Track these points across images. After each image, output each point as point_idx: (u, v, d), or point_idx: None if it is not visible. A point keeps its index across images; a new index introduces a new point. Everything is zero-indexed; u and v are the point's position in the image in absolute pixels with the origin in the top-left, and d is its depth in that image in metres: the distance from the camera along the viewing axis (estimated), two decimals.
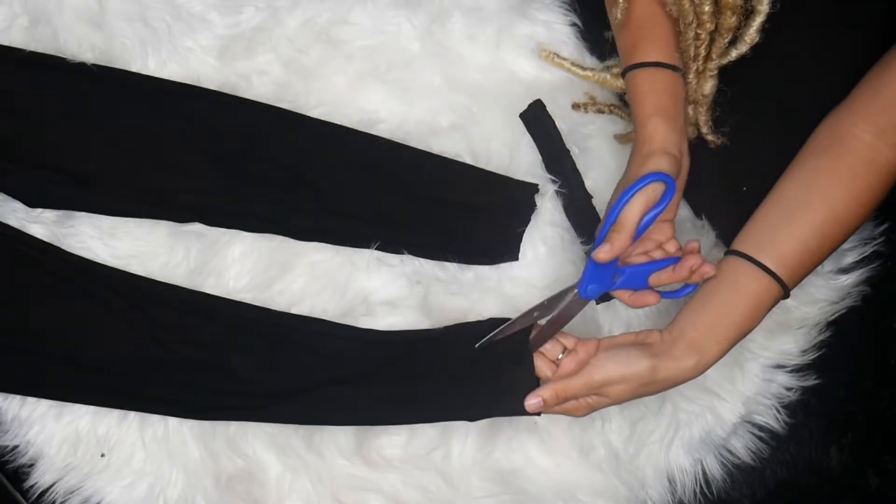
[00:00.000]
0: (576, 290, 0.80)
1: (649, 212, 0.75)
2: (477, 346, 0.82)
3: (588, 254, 0.79)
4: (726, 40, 0.79)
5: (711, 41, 0.79)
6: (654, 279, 0.80)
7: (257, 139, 0.92)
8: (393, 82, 0.95)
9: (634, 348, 0.77)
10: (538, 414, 0.80)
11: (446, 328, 0.87)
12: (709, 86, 0.82)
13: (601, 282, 0.78)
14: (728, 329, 0.76)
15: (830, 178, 0.77)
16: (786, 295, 0.77)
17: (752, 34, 0.77)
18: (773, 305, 0.77)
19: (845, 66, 0.80)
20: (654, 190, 0.75)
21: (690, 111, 0.84)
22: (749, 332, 0.77)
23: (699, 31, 0.78)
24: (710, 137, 0.86)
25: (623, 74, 0.83)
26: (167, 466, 0.86)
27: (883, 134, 0.75)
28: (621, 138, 0.93)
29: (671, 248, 0.80)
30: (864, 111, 0.76)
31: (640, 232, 0.76)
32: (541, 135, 0.94)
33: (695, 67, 0.81)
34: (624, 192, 0.75)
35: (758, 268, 0.76)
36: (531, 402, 0.78)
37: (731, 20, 0.77)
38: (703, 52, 0.79)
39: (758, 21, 0.77)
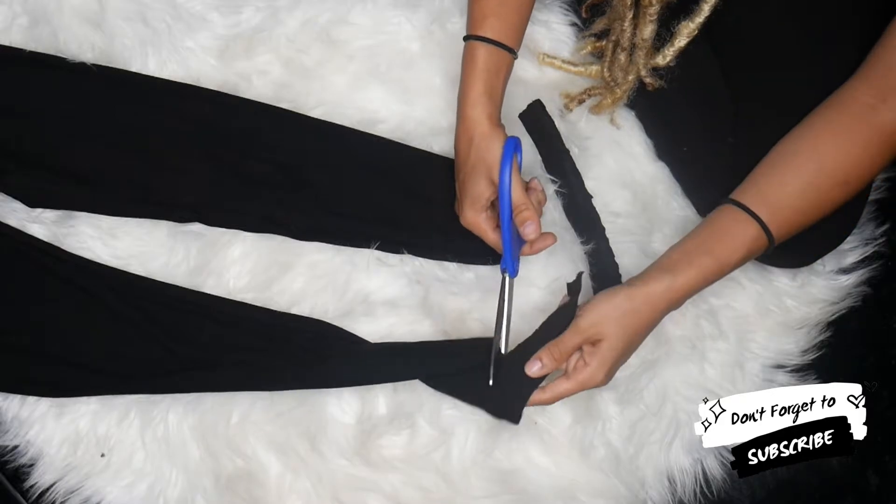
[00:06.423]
0: (506, 275, 0.82)
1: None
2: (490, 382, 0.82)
3: (505, 241, 0.82)
4: None
5: None
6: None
7: (257, 139, 0.92)
8: (393, 82, 0.95)
9: (612, 287, 0.80)
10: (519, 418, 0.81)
11: (448, 342, 0.87)
12: (648, 30, 0.86)
13: (515, 256, 0.83)
14: (702, 256, 0.78)
15: (822, 131, 0.78)
16: (770, 241, 0.78)
17: None
18: (753, 244, 0.78)
19: (850, 62, 0.80)
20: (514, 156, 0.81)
21: (623, 58, 0.88)
22: (727, 268, 0.78)
23: None
24: (648, 80, 0.90)
25: (465, 39, 0.86)
26: (167, 466, 0.86)
27: (884, 98, 0.76)
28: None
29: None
30: (865, 77, 0.78)
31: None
32: (541, 135, 0.94)
33: (630, 16, 0.85)
34: (501, 176, 0.79)
35: (735, 206, 0.78)
36: (532, 368, 0.80)
37: None
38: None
39: None
